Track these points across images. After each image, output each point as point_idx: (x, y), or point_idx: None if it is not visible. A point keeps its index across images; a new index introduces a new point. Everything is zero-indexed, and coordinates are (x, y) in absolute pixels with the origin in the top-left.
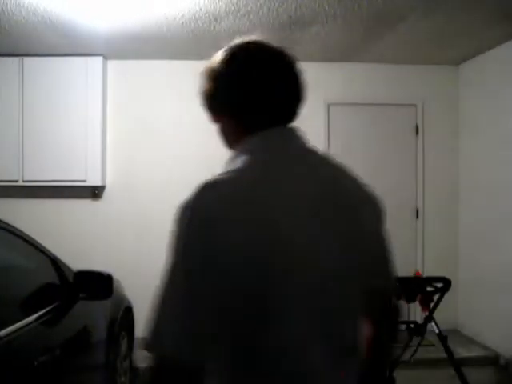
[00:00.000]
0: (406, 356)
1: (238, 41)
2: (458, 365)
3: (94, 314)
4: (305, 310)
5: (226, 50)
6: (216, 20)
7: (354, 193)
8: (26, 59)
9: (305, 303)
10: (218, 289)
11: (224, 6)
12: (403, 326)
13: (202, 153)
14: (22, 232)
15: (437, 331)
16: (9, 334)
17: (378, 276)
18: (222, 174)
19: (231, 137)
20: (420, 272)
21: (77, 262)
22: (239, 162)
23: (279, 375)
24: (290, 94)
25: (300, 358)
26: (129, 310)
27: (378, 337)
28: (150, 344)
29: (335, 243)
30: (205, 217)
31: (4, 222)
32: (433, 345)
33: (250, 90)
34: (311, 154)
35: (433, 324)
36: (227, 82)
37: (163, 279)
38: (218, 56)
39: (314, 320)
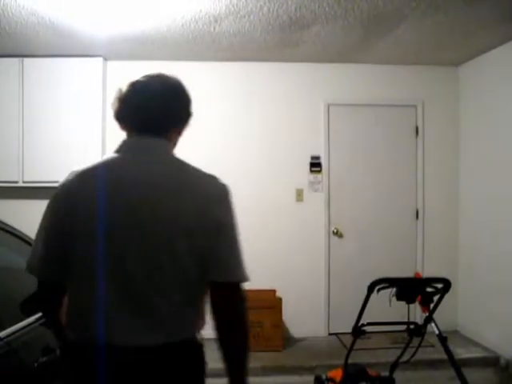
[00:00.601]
0: (406, 357)
1: (149, 73)
2: (458, 366)
3: None
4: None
5: (137, 79)
6: (216, 21)
7: (182, 182)
8: (26, 60)
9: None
10: (58, 225)
11: (224, 7)
12: (403, 327)
13: (199, 152)
14: (21, 233)
15: (437, 332)
16: (9, 335)
17: (207, 255)
18: (89, 164)
19: None
20: (420, 273)
21: None
22: (105, 156)
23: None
24: (162, 113)
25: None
26: None
27: (224, 323)
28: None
29: (147, 215)
30: (63, 189)
31: (4, 223)
32: (433, 346)
33: (131, 108)
34: (153, 156)
35: (433, 325)
36: (122, 101)
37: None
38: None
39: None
